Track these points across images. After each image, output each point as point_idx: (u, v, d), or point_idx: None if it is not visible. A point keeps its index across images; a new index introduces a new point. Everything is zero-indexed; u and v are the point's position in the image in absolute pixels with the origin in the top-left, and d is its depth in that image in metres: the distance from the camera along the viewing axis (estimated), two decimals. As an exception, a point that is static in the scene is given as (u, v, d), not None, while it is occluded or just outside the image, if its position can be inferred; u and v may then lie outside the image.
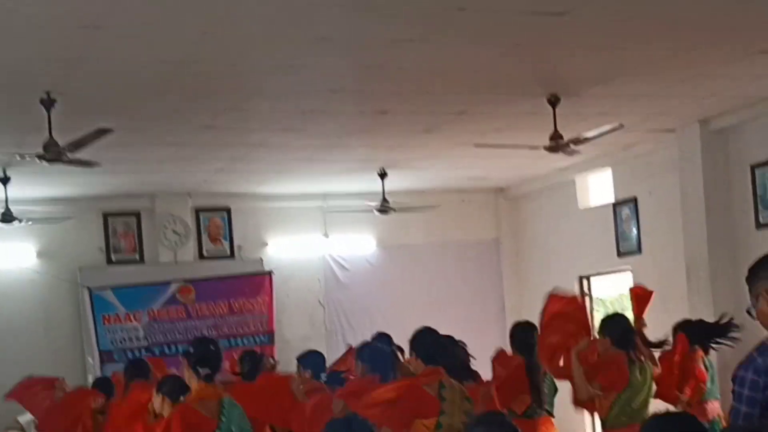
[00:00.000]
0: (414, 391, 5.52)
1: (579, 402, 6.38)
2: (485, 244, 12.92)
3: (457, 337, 7.35)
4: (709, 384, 7.59)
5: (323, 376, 7.15)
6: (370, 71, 6.97)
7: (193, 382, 5.48)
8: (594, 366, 6.32)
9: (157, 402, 5.90)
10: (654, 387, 6.36)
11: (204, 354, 5.57)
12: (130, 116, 7.55)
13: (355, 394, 5.69)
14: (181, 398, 5.86)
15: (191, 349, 5.58)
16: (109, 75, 6.54)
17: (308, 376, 7.10)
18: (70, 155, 6.98)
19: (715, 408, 7.58)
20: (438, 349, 5.90)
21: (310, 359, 7.36)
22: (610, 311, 12.75)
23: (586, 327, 6.55)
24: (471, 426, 3.61)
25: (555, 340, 6.51)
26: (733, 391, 3.65)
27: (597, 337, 6.55)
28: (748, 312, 3.72)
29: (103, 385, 7.66)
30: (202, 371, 5.50)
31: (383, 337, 7.34)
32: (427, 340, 5.92)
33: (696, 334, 7.36)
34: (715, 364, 7.91)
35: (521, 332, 7.21)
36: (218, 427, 5.38)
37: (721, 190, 9.46)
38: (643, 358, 6.36)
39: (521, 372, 6.82)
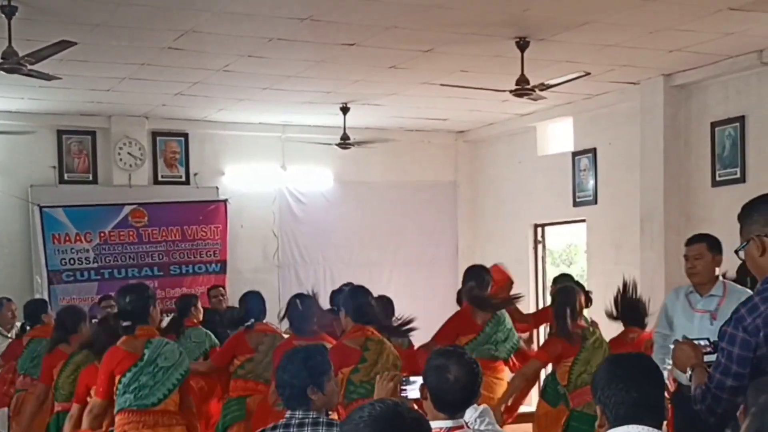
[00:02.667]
0: (339, 348, 5.76)
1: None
2: (442, 185, 12.93)
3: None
4: None
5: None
6: (340, 1, 6.87)
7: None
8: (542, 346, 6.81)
9: None
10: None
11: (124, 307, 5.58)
12: (92, 30, 7.38)
13: None
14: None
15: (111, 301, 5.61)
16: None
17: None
18: (29, 66, 6.81)
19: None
20: (367, 308, 5.98)
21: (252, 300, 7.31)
22: (558, 263, 12.98)
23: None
24: (430, 359, 3.63)
25: None
26: (719, 347, 3.54)
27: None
28: (736, 252, 3.65)
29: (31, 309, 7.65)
30: (124, 324, 5.52)
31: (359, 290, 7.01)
32: (357, 300, 5.99)
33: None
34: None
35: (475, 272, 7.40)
36: (140, 359, 5.41)
37: (680, 145, 9.53)
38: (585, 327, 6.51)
39: None
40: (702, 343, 3.89)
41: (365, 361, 5.77)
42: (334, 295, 7.10)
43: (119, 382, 5.40)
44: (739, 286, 5.69)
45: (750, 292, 5.03)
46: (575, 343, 6.31)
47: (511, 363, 7.29)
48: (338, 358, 5.50)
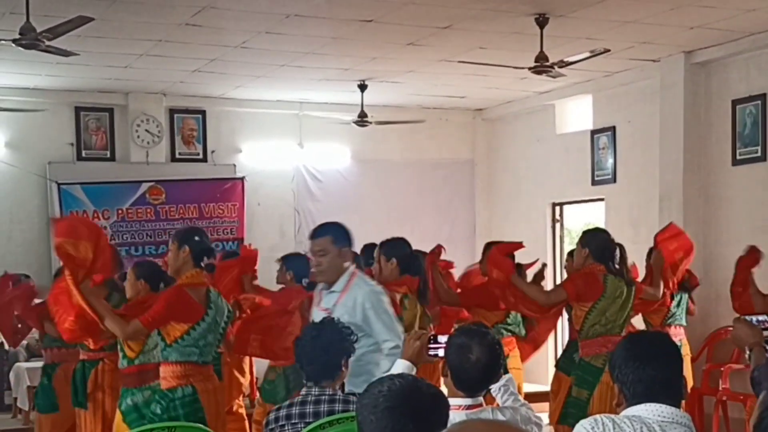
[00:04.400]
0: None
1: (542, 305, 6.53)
2: (460, 164, 12.88)
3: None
4: (674, 308, 7.71)
5: (304, 281, 7.15)
6: (358, -23, 6.83)
7: (188, 269, 5.34)
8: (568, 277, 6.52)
9: (135, 287, 5.89)
10: (630, 303, 6.39)
11: (206, 245, 5.50)
12: (109, 6, 7.36)
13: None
14: (161, 285, 5.84)
15: (196, 237, 5.44)
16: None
17: (289, 277, 7.08)
18: (46, 42, 6.80)
19: (678, 332, 7.72)
20: (413, 259, 6.01)
21: (295, 261, 7.34)
22: (576, 241, 12.91)
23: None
24: (452, 336, 3.61)
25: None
26: None
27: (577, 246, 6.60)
28: None
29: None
30: (207, 261, 5.47)
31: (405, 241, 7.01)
32: (404, 249, 6.02)
33: None
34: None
35: None
36: (206, 314, 5.31)
37: (700, 123, 9.45)
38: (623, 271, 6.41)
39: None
40: (760, 318, 3.83)
41: (401, 320, 5.73)
42: (366, 249, 7.05)
43: (186, 333, 5.25)
44: (367, 279, 5.23)
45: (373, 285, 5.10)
46: (597, 286, 6.23)
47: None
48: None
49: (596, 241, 6.39)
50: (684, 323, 7.95)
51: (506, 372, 3.79)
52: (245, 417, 7.45)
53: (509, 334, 7.18)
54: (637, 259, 7.47)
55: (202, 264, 5.38)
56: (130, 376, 5.78)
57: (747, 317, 3.93)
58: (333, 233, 5.14)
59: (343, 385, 4.34)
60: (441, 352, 3.82)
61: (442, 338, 3.83)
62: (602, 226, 11.17)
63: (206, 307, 5.31)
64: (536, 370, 10.37)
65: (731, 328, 8.86)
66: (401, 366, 3.86)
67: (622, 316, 6.23)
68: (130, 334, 5.35)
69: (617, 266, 6.29)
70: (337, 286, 5.09)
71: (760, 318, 3.82)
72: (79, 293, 5.13)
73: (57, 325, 5.49)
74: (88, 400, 6.39)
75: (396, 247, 6.24)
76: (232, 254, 8.73)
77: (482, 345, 3.50)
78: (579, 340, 6.37)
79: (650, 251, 7.33)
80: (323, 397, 4.12)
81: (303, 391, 4.19)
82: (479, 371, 3.49)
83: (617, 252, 6.37)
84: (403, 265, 6.16)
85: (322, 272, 5.13)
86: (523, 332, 7.30)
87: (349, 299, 5.01)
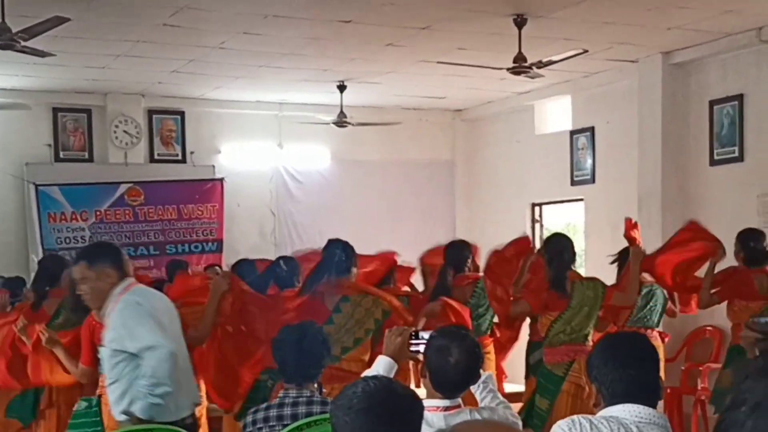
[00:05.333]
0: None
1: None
2: (440, 164, 12.89)
3: (406, 257, 7.43)
4: (638, 311, 7.69)
5: None
6: (337, -23, 6.82)
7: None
8: (532, 288, 6.48)
9: None
10: (597, 312, 6.39)
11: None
12: (86, 7, 7.32)
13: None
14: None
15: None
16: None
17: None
18: (22, 43, 6.75)
19: (653, 336, 7.73)
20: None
21: (244, 267, 7.25)
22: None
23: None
24: (432, 338, 3.61)
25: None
26: None
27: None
28: None
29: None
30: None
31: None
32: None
33: None
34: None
35: (455, 249, 7.37)
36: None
37: (678, 123, 9.49)
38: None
39: None
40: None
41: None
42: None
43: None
44: (135, 291, 4.66)
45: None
46: (563, 297, 6.27)
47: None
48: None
49: (556, 248, 6.44)
50: (653, 326, 7.92)
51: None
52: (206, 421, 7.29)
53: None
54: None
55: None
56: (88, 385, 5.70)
57: (756, 320, 3.97)
58: (86, 257, 4.70)
59: (320, 387, 4.33)
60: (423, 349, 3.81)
61: (425, 334, 3.82)
62: (581, 226, 11.24)
63: None
64: (512, 371, 10.38)
65: (709, 328, 8.91)
66: (383, 363, 3.85)
67: (587, 325, 6.25)
68: (80, 377, 5.37)
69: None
70: (105, 311, 4.65)
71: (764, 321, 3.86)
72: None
73: None
74: (40, 418, 6.20)
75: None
76: (212, 265, 8.75)
77: (461, 348, 3.50)
78: (544, 346, 6.39)
79: (624, 251, 7.20)
80: (301, 399, 4.11)
81: (281, 393, 4.18)
82: (458, 374, 3.49)
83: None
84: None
85: (89, 301, 4.74)
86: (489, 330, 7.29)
87: (110, 322, 4.62)
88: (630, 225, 6.69)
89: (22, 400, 6.27)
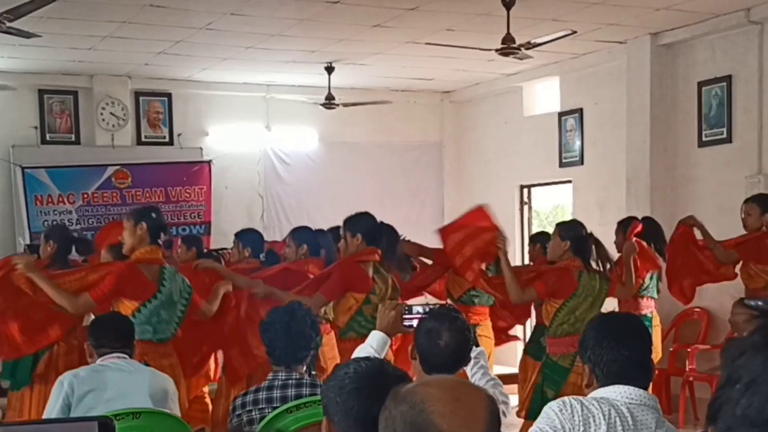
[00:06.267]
0: (350, 265, 5.79)
1: (513, 302, 6.50)
2: (428, 146, 12.87)
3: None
4: (647, 280, 7.74)
5: (262, 255, 7.12)
6: (324, -43, 6.77)
7: (144, 245, 5.34)
8: (541, 272, 6.39)
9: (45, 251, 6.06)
10: (600, 304, 6.36)
11: (162, 222, 5.53)
12: (72, -12, 7.27)
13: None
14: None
15: (153, 214, 5.43)
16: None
17: (247, 254, 7.03)
18: (7, 24, 6.69)
19: (649, 304, 7.76)
20: (378, 231, 6.00)
21: (250, 236, 7.30)
22: (545, 224, 12.94)
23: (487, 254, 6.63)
24: (422, 320, 3.61)
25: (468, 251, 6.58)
26: None
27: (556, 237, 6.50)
28: None
29: None
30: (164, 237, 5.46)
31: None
32: (368, 223, 6.01)
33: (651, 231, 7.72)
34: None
35: None
36: (159, 291, 5.30)
37: (666, 105, 9.49)
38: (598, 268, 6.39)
39: None
40: (760, 303, 3.85)
41: (375, 293, 5.73)
42: (333, 232, 6.97)
43: (137, 310, 5.25)
44: None
45: None
46: (571, 283, 6.19)
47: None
48: (352, 278, 5.59)
49: (577, 235, 6.33)
50: (655, 296, 7.96)
51: (476, 344, 3.77)
52: (209, 403, 7.34)
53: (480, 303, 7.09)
54: (604, 241, 7.46)
55: (159, 241, 5.37)
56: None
57: (747, 301, 3.96)
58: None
59: (309, 369, 4.32)
60: (416, 323, 3.80)
61: (418, 309, 3.83)
62: (570, 208, 11.25)
63: (159, 285, 5.30)
64: (505, 353, 10.39)
65: (697, 310, 8.92)
66: (376, 337, 3.84)
67: (590, 315, 6.19)
68: (80, 308, 5.33)
69: (596, 261, 6.30)
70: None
71: (759, 303, 3.85)
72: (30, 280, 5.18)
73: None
74: (35, 382, 6.08)
75: (360, 222, 6.13)
76: (193, 238, 8.69)
77: (451, 330, 3.50)
78: (546, 336, 6.35)
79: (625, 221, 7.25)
80: (290, 381, 4.10)
81: (270, 376, 4.17)
82: (448, 356, 3.49)
83: (593, 247, 6.35)
84: (368, 238, 6.05)
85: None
86: (492, 301, 7.17)
87: None
88: (637, 230, 7.17)
89: (18, 362, 6.17)
